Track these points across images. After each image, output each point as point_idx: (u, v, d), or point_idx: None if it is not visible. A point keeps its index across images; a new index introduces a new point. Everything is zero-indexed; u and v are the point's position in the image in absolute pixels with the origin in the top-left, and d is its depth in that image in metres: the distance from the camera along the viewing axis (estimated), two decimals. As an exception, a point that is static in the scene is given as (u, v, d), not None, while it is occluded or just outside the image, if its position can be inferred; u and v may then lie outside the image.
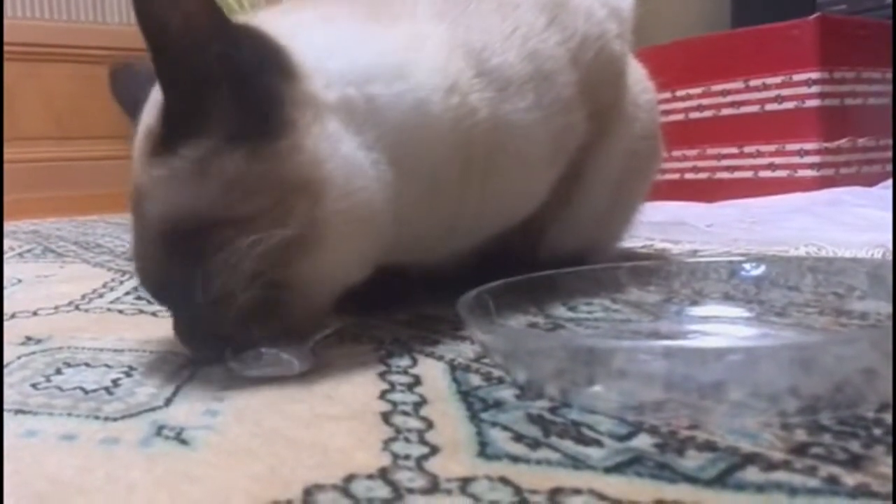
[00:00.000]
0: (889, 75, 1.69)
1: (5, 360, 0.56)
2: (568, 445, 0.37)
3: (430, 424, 0.41)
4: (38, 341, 0.62)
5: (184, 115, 0.49)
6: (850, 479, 0.32)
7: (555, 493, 0.32)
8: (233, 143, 0.48)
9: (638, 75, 0.80)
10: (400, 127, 0.55)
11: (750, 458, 0.34)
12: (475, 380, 0.48)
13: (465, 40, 0.60)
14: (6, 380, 0.52)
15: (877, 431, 0.37)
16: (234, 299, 0.48)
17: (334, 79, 0.53)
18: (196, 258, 0.48)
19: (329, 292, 0.54)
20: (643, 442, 0.37)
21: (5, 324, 0.71)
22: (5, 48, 2.40)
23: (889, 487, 0.31)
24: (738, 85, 1.73)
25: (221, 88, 0.49)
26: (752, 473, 0.33)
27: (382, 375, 0.49)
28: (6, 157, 2.38)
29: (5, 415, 0.45)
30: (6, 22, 2.44)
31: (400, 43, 0.58)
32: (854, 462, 0.34)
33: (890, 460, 0.34)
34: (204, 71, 0.48)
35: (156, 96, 0.52)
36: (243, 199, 0.48)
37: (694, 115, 1.81)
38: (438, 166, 0.58)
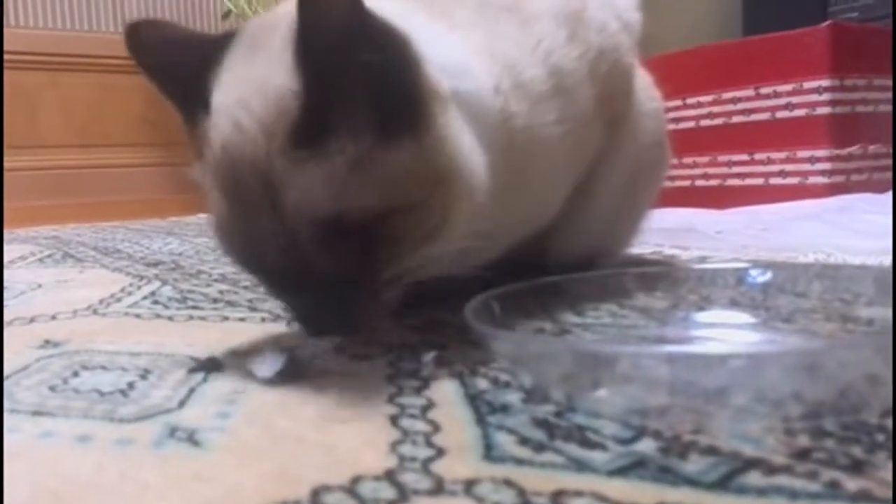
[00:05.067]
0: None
1: (24, 363, 0.58)
2: (572, 449, 0.37)
3: (436, 427, 0.41)
4: (57, 345, 0.63)
5: (328, 109, 0.48)
6: (851, 483, 0.32)
7: (557, 496, 0.33)
8: (385, 140, 0.49)
9: (644, 83, 0.81)
10: (475, 121, 0.56)
11: (752, 463, 0.35)
12: (482, 384, 0.48)
13: (500, 50, 0.62)
14: (24, 382, 0.53)
15: (879, 437, 0.37)
16: (390, 287, 0.52)
17: (439, 71, 0.54)
18: (346, 250, 0.49)
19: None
20: (647, 446, 0.37)
21: (24, 327, 0.72)
22: (27, 57, 2.44)
23: (890, 493, 0.32)
24: (749, 92, 1.73)
25: (370, 86, 0.49)
26: (753, 478, 0.33)
27: (391, 379, 0.50)
28: (28, 164, 2.42)
29: (23, 416, 0.46)
30: (28, 32, 2.48)
31: (457, 44, 0.59)
32: (856, 467, 0.34)
33: (892, 465, 0.34)
34: (354, 69, 0.48)
35: (238, 57, 0.52)
36: (399, 194, 0.50)
37: (705, 122, 1.81)
38: (492, 165, 0.58)
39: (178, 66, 0.54)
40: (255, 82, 0.50)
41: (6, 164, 2.33)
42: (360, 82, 0.48)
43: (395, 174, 0.49)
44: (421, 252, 0.52)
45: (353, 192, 0.48)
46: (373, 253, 0.50)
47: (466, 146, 0.54)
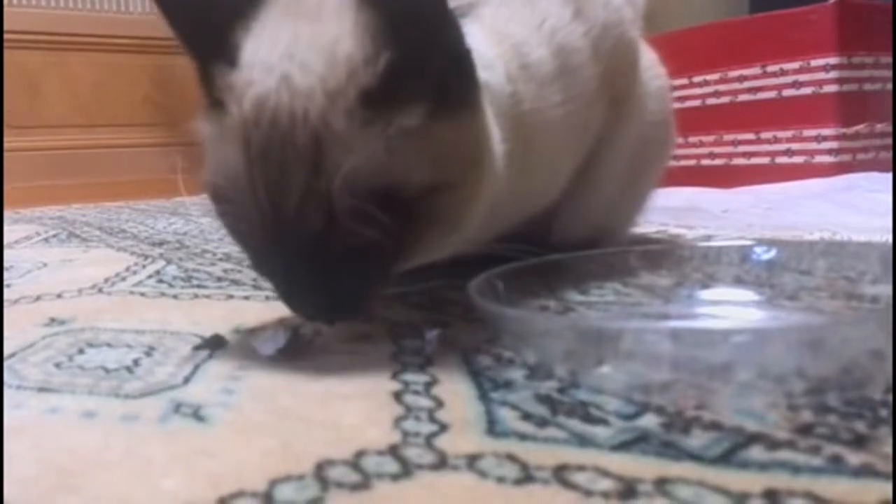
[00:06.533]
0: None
1: (30, 341, 0.58)
2: (575, 424, 0.38)
3: (440, 403, 0.41)
4: (62, 322, 0.64)
5: (404, 76, 0.47)
6: (853, 458, 0.33)
7: (560, 470, 0.33)
8: (442, 112, 0.49)
9: (648, 61, 0.80)
10: (495, 113, 0.56)
11: (754, 438, 0.35)
12: (486, 361, 0.48)
13: (508, 31, 0.62)
14: (30, 359, 0.53)
15: (883, 412, 0.37)
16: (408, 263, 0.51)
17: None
18: (380, 226, 0.47)
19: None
20: (649, 421, 0.37)
21: (30, 306, 0.72)
22: (31, 37, 2.44)
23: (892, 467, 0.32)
24: (756, 71, 1.71)
25: (442, 57, 0.49)
26: (756, 452, 0.34)
27: (395, 356, 0.50)
28: (31, 145, 2.43)
29: (29, 392, 0.46)
30: (31, 11, 2.48)
31: (478, 30, 0.59)
32: (858, 442, 0.34)
33: (893, 440, 0.34)
34: (439, 40, 0.49)
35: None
36: (446, 170, 0.49)
37: (711, 101, 1.80)
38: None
39: (202, 15, 0.52)
40: (312, 42, 0.48)
41: (9, 145, 2.33)
42: (436, 52, 0.49)
43: (447, 149, 0.50)
44: (442, 240, 0.52)
45: (410, 163, 0.47)
46: (405, 233, 0.49)
47: (495, 136, 0.54)
